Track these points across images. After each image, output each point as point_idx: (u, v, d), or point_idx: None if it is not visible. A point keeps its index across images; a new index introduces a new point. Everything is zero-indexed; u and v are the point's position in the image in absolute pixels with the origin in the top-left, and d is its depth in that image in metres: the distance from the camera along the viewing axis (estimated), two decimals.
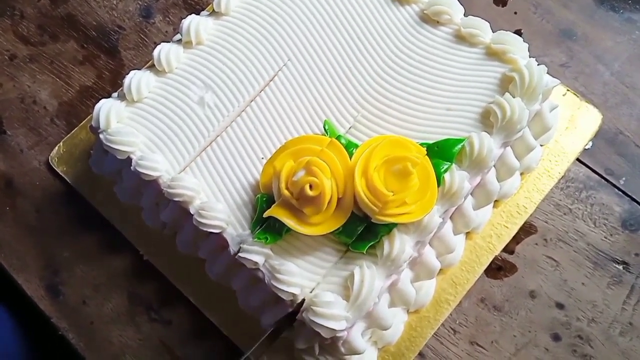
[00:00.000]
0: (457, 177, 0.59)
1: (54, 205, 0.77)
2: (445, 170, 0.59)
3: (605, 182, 0.73)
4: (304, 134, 0.65)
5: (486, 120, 0.63)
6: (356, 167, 0.58)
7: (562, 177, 0.73)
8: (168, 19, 0.86)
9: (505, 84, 0.64)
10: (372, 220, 0.58)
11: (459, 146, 0.60)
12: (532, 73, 0.62)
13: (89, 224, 0.75)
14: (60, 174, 0.78)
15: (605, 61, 0.78)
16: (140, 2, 0.87)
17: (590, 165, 0.74)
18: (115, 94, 0.70)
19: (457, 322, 0.69)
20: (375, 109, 0.65)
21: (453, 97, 0.64)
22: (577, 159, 0.74)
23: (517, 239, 0.71)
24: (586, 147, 0.74)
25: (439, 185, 0.59)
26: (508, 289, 0.70)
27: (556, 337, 0.67)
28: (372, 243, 0.58)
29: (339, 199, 0.58)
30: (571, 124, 0.74)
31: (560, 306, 0.69)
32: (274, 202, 0.60)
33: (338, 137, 0.62)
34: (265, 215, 0.59)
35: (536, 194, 0.72)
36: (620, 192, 0.72)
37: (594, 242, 0.71)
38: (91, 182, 0.76)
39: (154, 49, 0.68)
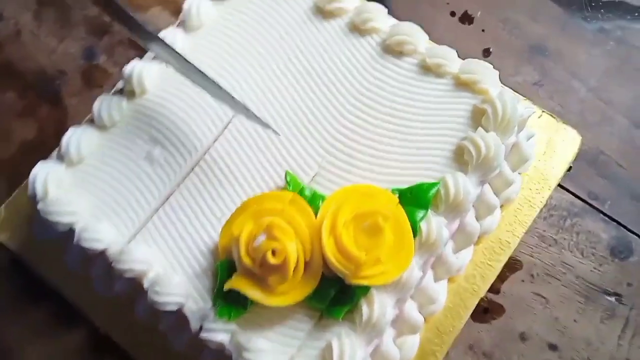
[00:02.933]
0: (435, 225, 0.54)
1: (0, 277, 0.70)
2: (421, 219, 0.54)
3: (590, 208, 0.69)
4: (264, 185, 0.59)
5: (460, 158, 0.58)
6: (323, 225, 0.52)
7: (545, 205, 0.68)
8: (113, 60, 0.80)
9: (477, 117, 0.59)
10: (345, 282, 0.53)
11: (434, 190, 0.56)
12: (505, 104, 0.57)
13: (38, 297, 0.68)
14: (3, 242, 0.71)
15: (580, 77, 0.74)
16: (82, 43, 0.81)
17: (573, 191, 0.69)
18: (54, 154, 0.63)
19: None
20: (340, 152, 0.60)
21: (423, 134, 0.59)
22: (559, 185, 0.69)
23: (502, 276, 0.66)
24: (567, 172, 0.69)
25: (415, 235, 0.54)
26: (497, 333, 0.65)
27: None
28: (349, 308, 0.53)
29: (306, 263, 0.53)
30: (549, 148, 0.70)
31: (553, 347, 0.64)
32: (234, 269, 0.54)
33: (301, 190, 0.57)
34: (225, 288, 0.53)
35: (518, 226, 0.67)
36: (606, 218, 0.68)
37: (583, 274, 0.66)
38: (38, 250, 0.69)
39: (99, 94, 0.62)
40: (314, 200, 0.56)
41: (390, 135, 0.60)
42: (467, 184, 0.55)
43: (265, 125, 0.59)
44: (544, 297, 0.66)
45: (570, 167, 0.69)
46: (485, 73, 0.60)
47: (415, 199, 0.55)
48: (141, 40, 0.60)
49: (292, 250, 0.51)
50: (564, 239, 0.68)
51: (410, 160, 0.58)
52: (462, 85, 0.60)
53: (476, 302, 0.65)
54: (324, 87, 0.63)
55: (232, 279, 0.53)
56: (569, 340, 0.64)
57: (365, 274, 0.51)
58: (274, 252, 0.51)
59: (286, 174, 0.58)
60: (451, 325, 0.64)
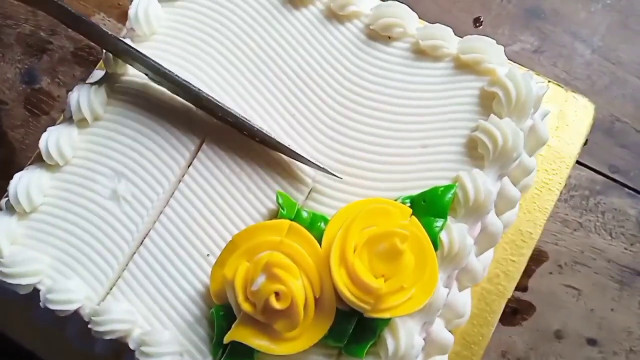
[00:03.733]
0: (456, 234, 0.47)
1: None
2: (441, 229, 0.47)
3: (613, 182, 0.62)
4: (254, 210, 0.51)
5: (474, 152, 0.50)
6: (331, 255, 0.45)
7: (564, 186, 0.62)
8: (58, 80, 0.70)
9: (487, 102, 0.51)
10: (364, 315, 0.45)
11: (450, 194, 0.48)
12: (517, 84, 0.50)
13: None
14: None
15: (582, 37, 0.67)
16: (19, 66, 0.70)
17: (592, 166, 0.63)
18: (2, 204, 0.54)
19: None
20: (335, 161, 0.52)
21: (427, 129, 0.52)
22: (576, 162, 0.62)
23: (527, 271, 0.60)
24: (583, 146, 0.63)
25: (435, 249, 0.47)
26: (530, 335, 0.59)
27: None
28: (372, 343, 0.46)
29: (316, 300, 0.45)
30: (561, 121, 0.63)
31: (592, 342, 0.58)
32: (233, 315, 0.47)
33: (297, 213, 0.49)
34: (225, 340, 0.45)
35: (539, 214, 0.61)
36: (632, 191, 0.62)
37: (615, 257, 0.60)
38: (3, 310, 0.61)
39: (47, 122, 0.53)
40: (314, 223, 0.48)
41: (391, 135, 0.52)
42: (487, 182, 0.48)
43: (316, 166, 0.51)
44: (576, 288, 0.60)
45: (587, 141, 0.62)
46: (488, 50, 0.52)
47: (430, 207, 0.48)
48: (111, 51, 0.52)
49: (298, 289, 0.44)
50: (589, 220, 0.61)
51: (417, 162, 0.51)
52: (464, 67, 0.53)
53: (503, 304, 0.59)
54: (305, 88, 0.54)
55: (232, 330, 0.45)
56: (609, 332, 0.58)
57: (388, 305, 0.44)
58: (277, 295, 0.44)
59: (277, 195, 0.50)
60: (479, 333, 0.58)
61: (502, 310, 0.58)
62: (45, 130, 0.54)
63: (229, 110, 0.52)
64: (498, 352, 0.58)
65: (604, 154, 0.63)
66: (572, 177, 0.62)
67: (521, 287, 0.60)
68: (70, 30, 0.69)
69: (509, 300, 0.59)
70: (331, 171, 0.51)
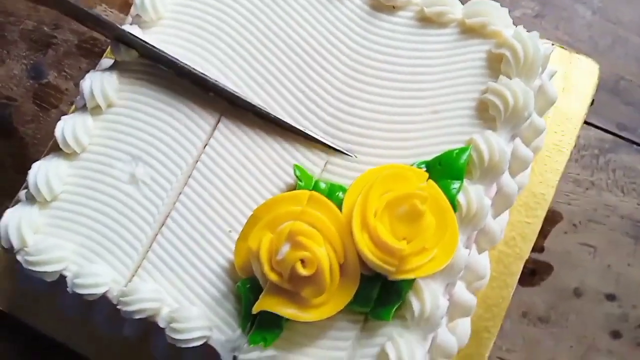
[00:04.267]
0: (474, 195, 0.48)
1: None
2: (458, 191, 0.48)
3: (622, 140, 0.63)
4: (272, 186, 0.52)
5: (485, 114, 0.51)
6: (352, 221, 0.45)
7: (574, 147, 0.62)
8: (65, 74, 0.70)
9: (494, 64, 0.52)
10: (387, 278, 0.46)
11: (465, 156, 0.49)
12: (525, 44, 0.50)
13: (42, 354, 0.60)
14: None
15: None
16: (25, 62, 0.71)
17: (600, 125, 0.64)
18: (22, 195, 0.55)
19: (504, 349, 0.58)
20: (348, 133, 0.53)
21: (437, 95, 0.52)
22: (584, 122, 0.63)
23: (543, 232, 0.61)
24: (590, 106, 0.63)
25: (454, 211, 0.47)
26: (549, 294, 0.60)
27: (616, 335, 0.58)
28: (397, 305, 0.46)
29: (340, 266, 0.46)
30: (567, 83, 0.63)
31: (611, 297, 0.59)
32: (259, 287, 0.47)
33: (316, 184, 0.50)
34: (254, 311, 0.46)
35: (550, 174, 0.61)
36: None
37: (628, 213, 0.61)
38: (29, 302, 0.61)
39: (57, 115, 0.54)
40: (333, 193, 0.49)
41: (401, 103, 0.53)
42: (500, 142, 0.49)
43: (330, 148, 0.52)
44: (591, 246, 0.60)
45: (593, 101, 0.62)
46: (493, 13, 0.52)
47: (446, 170, 0.49)
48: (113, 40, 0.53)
49: (323, 255, 0.44)
50: (601, 179, 0.62)
51: (430, 127, 0.51)
52: (470, 31, 0.53)
53: (521, 266, 0.59)
54: (313, 64, 0.55)
55: (260, 300, 0.46)
56: (626, 287, 0.59)
57: (412, 266, 0.45)
58: (303, 262, 0.44)
59: (295, 168, 0.51)
60: (500, 296, 0.59)
61: (520, 272, 0.59)
62: (57, 122, 0.55)
63: (238, 96, 0.52)
64: (519, 313, 0.59)
65: (611, 113, 0.64)
66: (581, 137, 0.63)
67: (538, 248, 0.60)
68: (73, 23, 0.70)
69: (527, 262, 0.59)
70: (344, 150, 0.52)
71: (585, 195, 0.62)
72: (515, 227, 0.60)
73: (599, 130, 0.64)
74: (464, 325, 0.56)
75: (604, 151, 0.63)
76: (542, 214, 0.60)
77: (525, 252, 0.60)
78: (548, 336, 0.58)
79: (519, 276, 0.59)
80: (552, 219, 0.61)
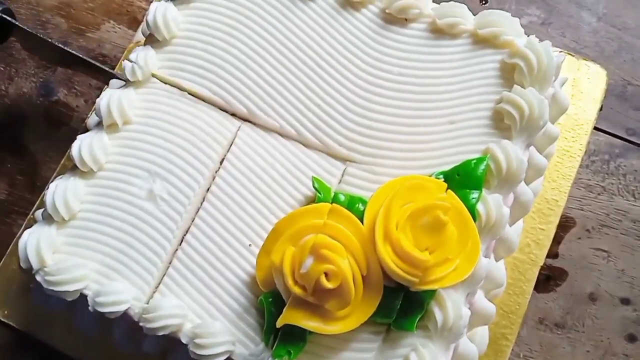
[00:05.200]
0: (493, 204, 0.48)
1: (8, 359, 0.62)
2: (477, 201, 0.48)
3: (631, 145, 0.64)
4: (291, 199, 0.52)
5: (500, 123, 0.51)
6: (375, 232, 0.46)
7: (584, 152, 0.63)
8: (75, 91, 0.70)
9: (508, 74, 0.53)
10: (410, 289, 0.46)
11: (483, 166, 0.49)
12: (538, 53, 0.51)
13: None
14: (2, 319, 0.62)
15: (587, 6, 0.69)
16: (34, 80, 0.71)
17: (609, 130, 0.64)
18: (39, 215, 0.55)
19: (522, 355, 0.59)
20: (364, 145, 0.53)
21: (452, 105, 0.53)
22: (594, 127, 0.64)
23: (557, 238, 0.61)
24: (599, 112, 0.64)
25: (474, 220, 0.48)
26: (565, 300, 0.60)
27: (632, 338, 0.59)
28: (420, 316, 0.47)
29: (363, 277, 0.46)
30: (576, 89, 0.64)
31: (625, 301, 0.60)
32: (282, 301, 0.47)
33: (335, 197, 0.50)
34: (278, 324, 0.46)
35: (562, 181, 0.62)
36: None
37: None
38: (44, 320, 0.61)
39: (68, 133, 0.54)
40: (353, 205, 0.49)
41: (417, 115, 0.53)
42: (517, 151, 0.49)
43: None
44: (605, 251, 0.61)
45: (602, 106, 0.63)
46: (505, 23, 0.53)
47: (465, 180, 0.49)
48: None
49: (347, 268, 0.45)
50: (612, 183, 0.63)
51: (447, 137, 0.52)
52: (482, 41, 0.54)
53: (537, 272, 0.60)
54: (327, 77, 0.55)
55: (284, 314, 0.46)
56: None
57: (435, 277, 0.45)
58: (327, 275, 0.45)
59: (313, 180, 0.51)
60: (516, 303, 0.59)
61: (535, 278, 0.60)
62: (69, 141, 0.55)
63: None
64: (536, 319, 0.60)
65: (620, 118, 0.65)
66: (591, 142, 0.64)
67: (552, 254, 0.61)
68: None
69: (542, 268, 0.60)
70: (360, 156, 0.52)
71: (597, 200, 0.62)
72: (529, 234, 0.61)
73: (608, 136, 0.64)
74: (483, 333, 0.56)
75: (614, 156, 0.64)
76: (556, 220, 0.61)
77: (540, 258, 0.60)
78: (565, 341, 0.59)
79: (534, 282, 0.59)
80: (565, 224, 0.62)
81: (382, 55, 0.55)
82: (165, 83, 0.55)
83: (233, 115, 0.54)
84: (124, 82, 0.57)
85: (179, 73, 0.55)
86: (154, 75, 0.56)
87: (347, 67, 0.55)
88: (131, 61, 0.55)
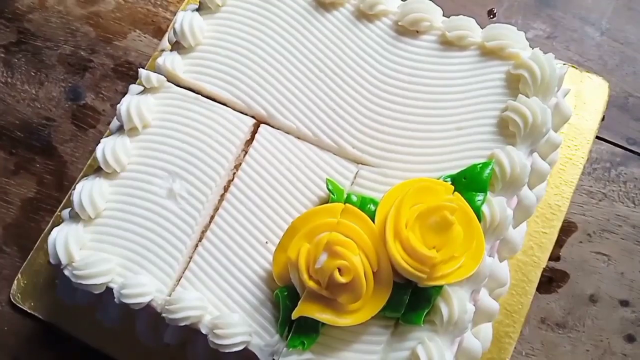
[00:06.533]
0: (497, 206, 0.51)
1: (33, 349, 0.65)
2: (482, 203, 0.51)
3: (632, 154, 0.66)
4: (305, 199, 0.55)
5: (505, 130, 0.54)
6: (386, 231, 0.48)
7: (587, 160, 0.66)
8: (102, 96, 0.74)
9: (513, 84, 0.56)
10: (418, 285, 0.49)
11: (489, 170, 0.52)
12: (541, 65, 0.54)
13: None
14: (29, 311, 0.66)
15: (591, 21, 0.71)
16: (63, 85, 0.75)
17: (611, 140, 0.67)
18: (66, 214, 0.58)
19: (524, 353, 0.61)
20: (376, 148, 0.56)
21: (460, 113, 0.56)
22: (596, 137, 0.67)
23: (559, 242, 0.64)
24: (601, 122, 0.67)
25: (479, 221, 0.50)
26: (566, 301, 0.62)
27: (630, 339, 0.61)
28: (427, 310, 0.49)
29: (374, 273, 0.49)
30: (579, 100, 0.67)
31: (625, 303, 0.62)
32: (296, 295, 0.50)
33: (348, 197, 0.53)
34: (293, 316, 0.49)
35: (565, 187, 0.65)
36: None
37: (639, 223, 0.64)
38: (69, 312, 0.64)
39: (94, 135, 0.57)
40: (364, 205, 0.52)
41: (426, 121, 0.56)
42: (521, 156, 0.52)
43: None
44: (605, 255, 0.63)
45: (604, 117, 0.66)
46: (511, 36, 0.56)
47: (471, 183, 0.52)
48: None
49: (359, 264, 0.48)
50: (613, 190, 0.65)
51: (454, 143, 0.55)
52: (489, 53, 0.57)
53: (539, 274, 0.63)
54: (342, 83, 0.58)
55: (299, 307, 0.49)
56: (639, 293, 0.62)
57: (442, 273, 0.48)
58: (340, 270, 0.47)
59: (327, 182, 0.54)
60: (519, 302, 0.62)
61: (538, 280, 0.62)
62: (96, 142, 0.58)
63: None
64: (538, 319, 0.62)
65: (621, 128, 0.67)
66: (593, 151, 0.66)
67: (554, 256, 0.63)
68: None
69: (544, 270, 0.63)
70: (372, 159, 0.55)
71: (598, 206, 0.65)
72: (532, 237, 0.63)
73: (610, 145, 0.67)
74: (487, 330, 0.59)
75: (615, 164, 0.66)
76: (558, 224, 0.64)
77: (543, 260, 0.63)
78: (565, 341, 0.61)
79: (537, 284, 0.62)
80: (567, 229, 0.64)
81: (394, 65, 0.58)
82: (187, 88, 0.59)
83: (253, 117, 0.58)
84: (143, 88, 0.60)
85: (202, 77, 0.59)
86: (174, 80, 0.59)
87: (361, 75, 0.58)
88: (159, 65, 0.59)
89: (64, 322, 0.65)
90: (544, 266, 0.62)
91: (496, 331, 0.60)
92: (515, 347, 0.61)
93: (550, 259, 0.63)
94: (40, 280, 0.67)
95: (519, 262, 0.63)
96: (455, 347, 0.51)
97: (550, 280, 0.63)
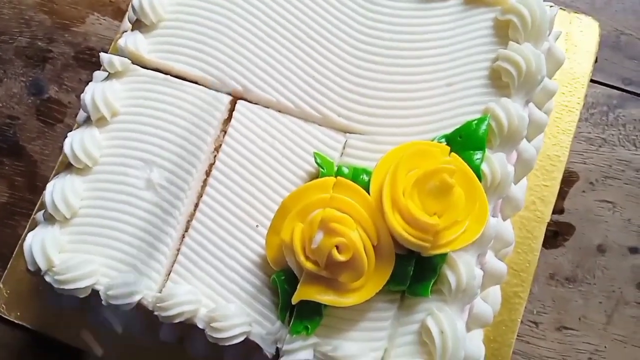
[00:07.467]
0: (497, 163, 0.48)
1: None
2: (481, 161, 0.48)
3: (628, 94, 0.64)
4: (294, 176, 0.52)
5: (498, 81, 0.51)
6: (383, 202, 0.45)
7: (583, 106, 0.63)
8: (65, 87, 0.69)
9: (502, 31, 0.52)
10: (421, 255, 0.46)
11: (485, 126, 0.49)
12: (531, 8, 0.51)
13: None
14: (16, 321, 0.62)
15: None
16: (23, 79, 0.70)
17: (606, 82, 0.64)
18: (40, 217, 0.54)
19: (535, 312, 0.59)
20: (363, 114, 0.53)
21: (448, 68, 0.52)
22: (590, 80, 0.64)
23: (561, 193, 0.61)
24: (594, 64, 0.64)
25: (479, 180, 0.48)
26: (574, 254, 0.60)
27: None
28: (434, 280, 0.47)
29: (374, 247, 0.46)
30: (569, 43, 0.64)
31: (634, 250, 0.60)
32: (294, 278, 0.47)
33: (338, 170, 0.50)
34: (293, 301, 0.46)
35: (563, 136, 0.62)
36: None
37: None
38: (58, 319, 0.61)
39: (62, 130, 0.53)
40: (357, 176, 0.49)
41: (414, 80, 0.53)
42: (518, 108, 0.49)
43: None
44: (610, 202, 0.61)
45: (597, 58, 0.63)
46: None
47: (467, 141, 0.49)
48: None
49: (358, 239, 0.45)
50: (612, 134, 0.63)
51: (445, 100, 0.52)
52: (474, 1, 0.53)
53: (544, 229, 0.60)
54: (320, 48, 0.54)
55: (298, 290, 0.46)
56: None
57: (446, 240, 0.45)
58: (338, 248, 0.44)
59: (315, 155, 0.51)
60: (526, 260, 0.60)
61: (543, 235, 0.60)
62: (63, 136, 0.54)
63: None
64: (546, 275, 0.60)
65: (615, 68, 0.65)
66: (588, 95, 0.64)
67: (558, 209, 0.61)
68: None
69: (548, 224, 0.60)
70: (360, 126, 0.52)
71: (598, 152, 0.62)
72: (534, 192, 0.61)
73: (605, 87, 0.64)
74: (495, 292, 0.57)
75: (613, 107, 0.63)
76: (559, 175, 0.61)
77: (546, 215, 0.60)
78: (577, 295, 0.59)
79: (542, 239, 0.60)
80: (568, 179, 0.62)
81: (374, 22, 0.54)
82: (154, 69, 0.55)
83: (228, 94, 0.54)
84: (107, 74, 0.56)
85: (169, 55, 0.55)
86: (139, 62, 0.55)
87: (340, 37, 0.54)
88: (121, 47, 0.54)
89: (56, 329, 0.62)
90: (548, 220, 0.60)
91: (505, 292, 0.58)
92: (525, 307, 0.59)
93: (554, 212, 0.61)
94: (24, 288, 0.63)
95: (522, 219, 0.60)
96: (466, 314, 0.48)
97: (556, 235, 0.61)
